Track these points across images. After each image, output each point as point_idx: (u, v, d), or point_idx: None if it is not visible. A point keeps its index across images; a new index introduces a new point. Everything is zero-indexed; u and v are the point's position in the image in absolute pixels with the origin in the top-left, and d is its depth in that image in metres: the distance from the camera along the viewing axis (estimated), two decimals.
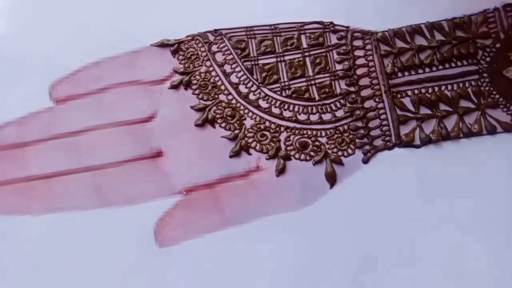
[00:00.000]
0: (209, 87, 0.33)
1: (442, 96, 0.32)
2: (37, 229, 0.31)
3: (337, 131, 0.32)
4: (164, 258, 0.31)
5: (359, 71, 0.33)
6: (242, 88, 0.33)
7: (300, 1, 0.34)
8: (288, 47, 0.34)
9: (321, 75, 0.33)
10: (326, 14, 0.34)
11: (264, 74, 0.33)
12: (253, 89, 0.33)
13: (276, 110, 0.33)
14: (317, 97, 0.33)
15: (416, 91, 0.32)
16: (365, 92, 0.33)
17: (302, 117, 0.33)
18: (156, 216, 0.31)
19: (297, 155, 0.32)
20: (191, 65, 0.34)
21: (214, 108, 0.33)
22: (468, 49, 0.32)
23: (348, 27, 0.33)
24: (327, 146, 0.32)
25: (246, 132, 0.33)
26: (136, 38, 0.34)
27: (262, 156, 0.32)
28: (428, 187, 0.31)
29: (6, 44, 0.35)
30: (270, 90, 0.33)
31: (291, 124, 0.33)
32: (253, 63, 0.34)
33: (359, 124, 0.32)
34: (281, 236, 0.31)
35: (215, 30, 0.34)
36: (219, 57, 0.34)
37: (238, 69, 0.34)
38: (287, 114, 0.33)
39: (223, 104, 0.33)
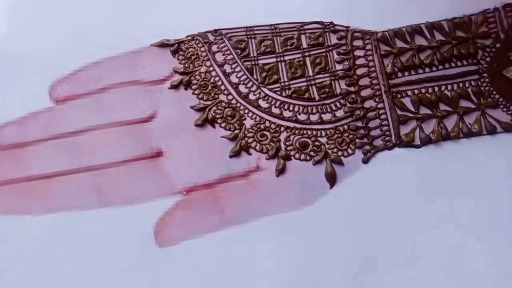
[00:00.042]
0: (209, 87, 0.33)
1: (442, 96, 0.32)
2: (37, 229, 0.31)
3: (337, 131, 0.32)
4: (164, 258, 0.31)
5: (359, 71, 0.33)
6: (242, 88, 0.33)
7: (300, 1, 0.34)
8: (288, 47, 0.34)
9: (321, 75, 0.33)
10: (326, 14, 0.34)
11: (264, 74, 0.33)
12: (253, 89, 0.33)
13: (276, 110, 0.33)
14: (317, 97, 0.33)
15: (416, 91, 0.32)
16: (365, 92, 0.33)
17: (302, 117, 0.33)
18: (156, 216, 0.31)
19: (297, 155, 0.32)
20: (191, 65, 0.34)
21: (214, 108, 0.33)
22: (468, 49, 0.32)
23: (348, 27, 0.33)
24: (327, 146, 0.32)
25: (246, 132, 0.33)
26: (136, 38, 0.34)
27: (262, 156, 0.32)
28: (428, 187, 0.31)
29: (6, 44, 0.35)
30: (270, 90, 0.33)
31: (291, 124, 0.33)
32: (253, 63, 0.34)
33: (359, 124, 0.32)
34: (281, 236, 0.31)
35: (215, 30, 0.34)
36: (219, 57, 0.34)
37: (238, 69, 0.34)
38: (287, 114, 0.33)
39: (223, 104, 0.33)
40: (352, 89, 0.33)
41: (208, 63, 0.34)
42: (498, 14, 0.33)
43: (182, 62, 0.34)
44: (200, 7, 0.35)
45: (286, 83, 0.33)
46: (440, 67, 0.33)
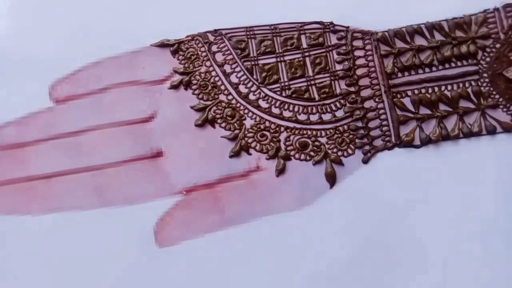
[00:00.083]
0: (209, 87, 0.33)
1: (442, 96, 0.32)
2: (37, 229, 0.31)
3: (337, 131, 0.32)
4: (164, 258, 0.31)
5: (359, 71, 0.33)
6: (242, 88, 0.33)
7: (300, 1, 0.34)
8: (288, 47, 0.34)
9: (321, 75, 0.33)
10: (326, 14, 0.34)
11: (264, 74, 0.33)
12: (253, 89, 0.33)
13: (276, 110, 0.33)
14: (317, 97, 0.33)
15: (416, 91, 0.32)
16: (365, 92, 0.33)
17: (302, 117, 0.33)
18: (156, 216, 0.31)
19: (297, 155, 0.32)
20: (191, 65, 0.34)
21: (214, 108, 0.33)
22: (468, 49, 0.32)
23: (348, 27, 0.33)
24: (327, 146, 0.32)
25: (246, 132, 0.33)
26: (136, 38, 0.34)
27: (262, 156, 0.32)
28: (428, 187, 0.31)
29: (6, 44, 0.35)
30: (270, 90, 0.33)
31: (291, 124, 0.33)
32: (253, 63, 0.34)
33: (359, 124, 0.32)
34: (281, 236, 0.31)
35: (215, 30, 0.34)
36: (219, 57, 0.34)
37: (238, 69, 0.34)
38: (287, 114, 0.33)
39: (223, 104, 0.33)
40: (352, 89, 0.33)
41: (208, 63, 0.34)
42: (498, 14, 0.33)
43: (182, 62, 0.34)
44: (200, 7, 0.35)
45: (286, 83, 0.33)
46: (440, 67, 0.33)
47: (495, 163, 0.31)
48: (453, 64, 0.33)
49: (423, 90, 0.32)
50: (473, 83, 0.32)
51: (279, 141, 0.32)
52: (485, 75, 0.32)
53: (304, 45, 0.34)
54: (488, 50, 0.32)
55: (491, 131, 0.31)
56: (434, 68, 0.33)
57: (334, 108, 0.33)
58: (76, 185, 0.32)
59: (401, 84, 0.33)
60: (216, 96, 0.33)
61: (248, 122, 0.33)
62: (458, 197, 0.30)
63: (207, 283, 0.30)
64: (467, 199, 0.30)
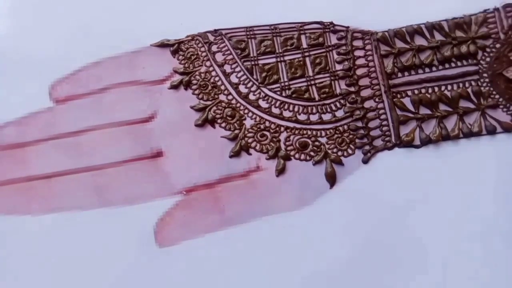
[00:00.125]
0: (209, 87, 0.33)
1: (442, 96, 0.32)
2: (37, 229, 0.31)
3: (337, 131, 0.32)
4: (164, 258, 0.31)
5: (359, 71, 0.33)
6: (242, 88, 0.33)
7: (300, 1, 0.34)
8: (288, 47, 0.34)
9: (321, 75, 0.33)
10: (326, 14, 0.34)
11: (264, 74, 0.33)
12: (253, 89, 0.33)
13: (276, 110, 0.33)
14: (317, 97, 0.33)
15: (416, 91, 0.32)
16: (365, 92, 0.33)
17: (302, 117, 0.33)
18: (156, 216, 0.31)
19: (297, 155, 0.32)
20: (191, 65, 0.34)
21: (214, 108, 0.33)
22: (468, 49, 0.32)
23: (348, 27, 0.33)
24: (327, 146, 0.32)
25: (246, 132, 0.33)
26: (136, 38, 0.34)
27: (262, 156, 0.32)
28: (428, 187, 0.31)
29: (6, 44, 0.35)
30: (270, 90, 0.33)
31: (291, 124, 0.33)
32: (253, 63, 0.34)
33: (359, 124, 0.32)
34: (281, 236, 0.31)
35: (215, 30, 0.34)
36: (219, 57, 0.34)
37: (238, 69, 0.34)
38: (287, 114, 0.33)
39: (223, 104, 0.33)
40: (352, 89, 0.33)
41: (208, 63, 0.34)
42: (498, 14, 0.33)
43: (182, 62, 0.34)
44: (200, 7, 0.35)
45: (286, 83, 0.33)
46: (440, 67, 0.33)
47: (495, 163, 0.31)
48: (453, 64, 0.33)
49: (423, 90, 0.32)
50: (473, 83, 0.32)
51: (279, 141, 0.32)
52: (485, 75, 0.32)
53: (304, 45, 0.34)
54: (488, 50, 0.32)
55: (491, 131, 0.31)
56: (434, 68, 0.33)
57: (334, 108, 0.33)
58: (76, 185, 0.32)
59: (401, 84, 0.33)
60: (216, 96, 0.33)
61: (248, 122, 0.33)
62: (458, 197, 0.30)
63: (207, 283, 0.30)
64: (467, 199, 0.30)
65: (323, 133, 0.32)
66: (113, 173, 0.32)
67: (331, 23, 0.34)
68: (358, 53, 0.33)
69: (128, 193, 0.32)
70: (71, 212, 0.32)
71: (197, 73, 0.34)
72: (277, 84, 0.33)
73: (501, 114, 0.32)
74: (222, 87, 0.33)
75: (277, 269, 0.30)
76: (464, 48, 0.32)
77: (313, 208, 0.31)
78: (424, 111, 0.32)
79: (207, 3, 0.35)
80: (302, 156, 0.32)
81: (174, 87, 0.33)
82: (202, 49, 0.34)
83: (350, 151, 0.32)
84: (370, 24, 0.33)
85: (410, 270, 0.30)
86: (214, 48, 0.34)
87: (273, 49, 0.34)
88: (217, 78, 0.33)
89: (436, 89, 0.32)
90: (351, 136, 0.32)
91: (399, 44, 0.33)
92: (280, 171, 0.32)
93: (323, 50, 0.33)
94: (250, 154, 0.32)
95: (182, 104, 0.33)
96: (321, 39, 0.34)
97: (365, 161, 0.32)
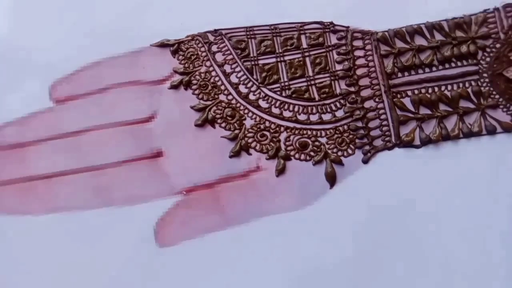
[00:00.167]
0: (209, 87, 0.33)
1: (442, 96, 0.32)
2: (37, 229, 0.31)
3: (337, 131, 0.32)
4: (164, 258, 0.31)
5: (359, 71, 0.33)
6: (242, 88, 0.33)
7: (300, 1, 0.34)
8: (288, 47, 0.34)
9: (321, 75, 0.33)
10: (326, 14, 0.34)
11: (264, 74, 0.33)
12: (253, 89, 0.33)
13: (276, 110, 0.33)
14: (317, 97, 0.33)
15: (416, 91, 0.32)
16: (365, 92, 0.33)
17: (302, 117, 0.33)
18: (156, 216, 0.31)
19: (297, 155, 0.32)
20: (191, 65, 0.34)
21: (214, 108, 0.33)
22: (468, 49, 0.32)
23: (348, 27, 0.33)
24: (327, 146, 0.32)
25: (246, 132, 0.33)
26: (136, 38, 0.34)
27: (262, 156, 0.32)
28: (428, 188, 0.31)
29: (6, 44, 0.35)
30: (270, 90, 0.33)
31: (291, 124, 0.33)
32: (253, 63, 0.34)
33: (359, 124, 0.32)
34: (281, 236, 0.31)
35: (215, 30, 0.34)
36: (219, 57, 0.34)
37: (238, 69, 0.34)
38: (287, 114, 0.33)
39: (223, 104, 0.33)
40: (352, 89, 0.33)
41: (208, 63, 0.34)
42: (498, 14, 0.33)
43: (182, 62, 0.34)
44: (200, 7, 0.35)
45: (286, 83, 0.33)
46: (440, 67, 0.33)
47: (495, 163, 0.31)
48: (453, 64, 0.33)
49: (423, 90, 0.32)
50: (473, 83, 0.32)
51: (279, 141, 0.32)
52: (485, 75, 0.32)
53: (304, 45, 0.34)
54: (488, 50, 0.32)
55: (491, 131, 0.31)
56: (434, 68, 0.33)
57: (334, 108, 0.33)
58: (76, 185, 0.32)
59: (401, 84, 0.33)
60: (216, 96, 0.33)
61: (248, 122, 0.33)
62: (458, 197, 0.30)
63: (207, 283, 0.30)
64: (467, 199, 0.30)
65: (323, 133, 0.32)
66: (113, 173, 0.32)
67: (331, 23, 0.34)
68: (358, 53, 0.33)
69: (128, 193, 0.32)
70: (71, 212, 0.32)
71: (197, 73, 0.34)
72: (277, 84, 0.33)
73: (501, 114, 0.32)
74: (222, 87, 0.33)
75: (277, 269, 0.30)
76: (464, 48, 0.32)
77: (313, 208, 0.31)
78: (424, 111, 0.32)
79: (207, 3, 0.35)
80: (302, 156, 0.32)
81: (174, 87, 0.33)
82: (202, 49, 0.34)
83: (350, 151, 0.32)
84: (370, 24, 0.33)
85: (410, 270, 0.30)
86: (214, 48, 0.34)
87: (273, 49, 0.34)
88: (217, 78, 0.33)
89: (436, 89, 0.32)
90: (351, 136, 0.32)
91: (399, 44, 0.33)
92: (280, 171, 0.32)
93: (323, 50, 0.33)
94: (250, 154, 0.32)
95: (182, 104, 0.33)
96: (321, 39, 0.34)
97: (365, 161, 0.32)
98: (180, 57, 0.34)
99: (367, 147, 0.32)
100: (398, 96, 0.32)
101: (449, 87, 0.32)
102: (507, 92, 0.32)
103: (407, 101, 0.32)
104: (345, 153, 0.32)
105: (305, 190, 0.31)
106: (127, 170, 0.32)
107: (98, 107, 0.33)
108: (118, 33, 0.34)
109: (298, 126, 0.32)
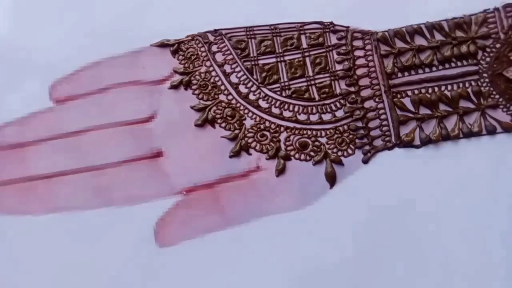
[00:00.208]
0: (209, 87, 0.33)
1: (442, 96, 0.32)
2: (37, 229, 0.31)
3: (337, 131, 0.32)
4: (164, 258, 0.31)
5: (359, 71, 0.33)
6: (242, 88, 0.33)
7: (300, 1, 0.34)
8: (288, 47, 0.34)
9: (321, 75, 0.33)
10: (326, 14, 0.34)
11: (264, 74, 0.33)
12: (253, 89, 0.33)
13: (276, 110, 0.33)
14: (317, 97, 0.33)
15: (416, 91, 0.32)
16: (365, 92, 0.33)
17: (302, 117, 0.33)
18: (156, 216, 0.31)
19: (297, 155, 0.32)
20: (191, 65, 0.34)
21: (214, 108, 0.33)
22: (468, 49, 0.32)
23: (348, 27, 0.33)
24: (327, 146, 0.32)
25: (246, 132, 0.33)
26: (136, 38, 0.34)
27: (262, 156, 0.32)
28: (428, 188, 0.31)
29: (6, 44, 0.35)
30: (270, 90, 0.33)
31: (291, 124, 0.33)
32: (253, 63, 0.34)
33: (359, 124, 0.32)
34: (281, 236, 0.31)
35: (215, 30, 0.34)
36: (219, 57, 0.34)
37: (238, 69, 0.34)
38: (287, 114, 0.33)
39: (223, 104, 0.33)
40: (352, 89, 0.33)
41: (208, 63, 0.34)
42: (498, 14, 0.33)
43: (182, 62, 0.34)
44: (200, 7, 0.35)
45: (286, 83, 0.33)
46: (440, 67, 0.33)
47: (495, 163, 0.31)
48: (453, 64, 0.33)
49: (423, 90, 0.32)
50: (473, 83, 0.32)
51: (279, 141, 0.32)
52: (485, 75, 0.32)
53: (304, 45, 0.34)
54: (488, 50, 0.32)
55: (491, 131, 0.31)
56: (434, 68, 0.33)
57: (334, 108, 0.33)
58: (76, 185, 0.32)
59: (401, 84, 0.33)
60: (216, 96, 0.33)
61: (248, 122, 0.33)
62: (458, 197, 0.30)
63: (207, 283, 0.30)
64: (467, 199, 0.30)
65: (323, 133, 0.32)
66: (113, 173, 0.32)
67: (331, 23, 0.34)
68: (358, 53, 0.33)
69: (128, 193, 0.32)
70: (71, 212, 0.32)
71: (197, 73, 0.34)
72: (277, 84, 0.33)
73: (501, 114, 0.32)
74: (222, 87, 0.33)
75: (277, 269, 0.30)
76: (464, 48, 0.32)
77: (313, 208, 0.31)
78: (424, 111, 0.32)
79: (207, 3, 0.35)
80: (302, 156, 0.32)
81: (174, 87, 0.33)
82: (202, 49, 0.34)
83: (350, 151, 0.32)
84: (370, 24, 0.33)
85: (410, 270, 0.30)
86: (214, 48, 0.34)
87: (273, 49, 0.34)
88: (217, 78, 0.33)
89: (436, 89, 0.32)
90: (351, 136, 0.32)
91: (399, 44, 0.33)
92: (280, 171, 0.32)
93: (323, 50, 0.33)
94: (250, 154, 0.32)
95: (182, 104, 0.33)
96: (321, 39, 0.34)
97: (365, 161, 0.32)
98: (180, 57, 0.34)
99: (367, 147, 0.32)
100: (398, 96, 0.32)
101: (449, 87, 0.32)
102: (507, 92, 0.32)
103: (407, 101, 0.32)
104: (345, 153, 0.32)
105: (305, 190, 0.31)
106: (127, 170, 0.32)
107: (98, 107, 0.33)
108: (118, 33, 0.34)
109: (298, 126, 0.32)
